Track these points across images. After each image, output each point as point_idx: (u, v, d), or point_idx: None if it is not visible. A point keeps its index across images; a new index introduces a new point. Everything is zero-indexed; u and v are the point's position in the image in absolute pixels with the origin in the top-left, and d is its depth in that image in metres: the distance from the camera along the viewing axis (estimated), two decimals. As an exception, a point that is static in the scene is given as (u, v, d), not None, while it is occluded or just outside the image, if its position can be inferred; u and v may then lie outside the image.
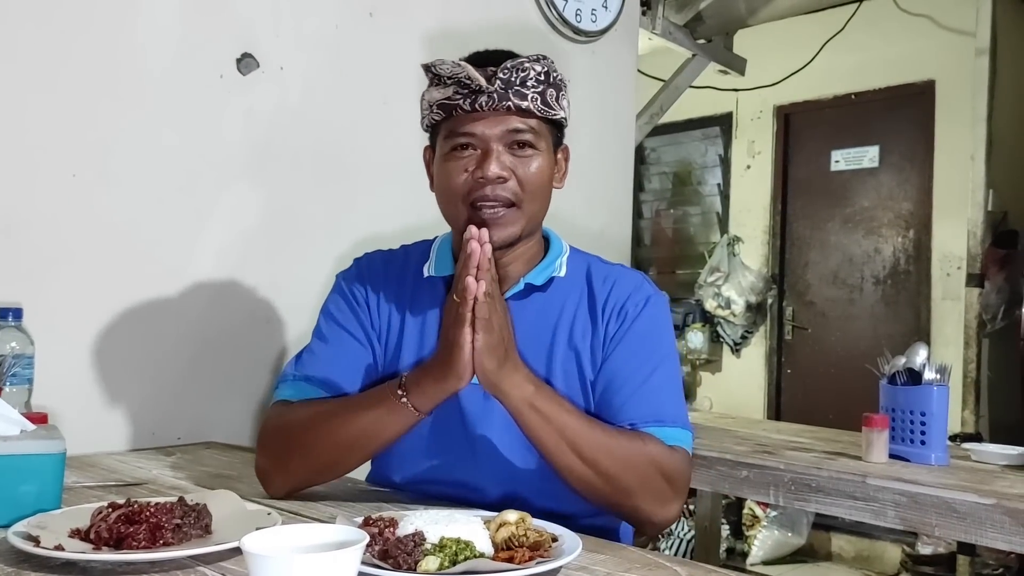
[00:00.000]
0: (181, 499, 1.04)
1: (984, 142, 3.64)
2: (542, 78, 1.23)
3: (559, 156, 1.32)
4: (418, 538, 0.95)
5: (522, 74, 1.21)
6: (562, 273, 1.33)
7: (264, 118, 1.96)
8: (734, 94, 4.98)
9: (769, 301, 4.98)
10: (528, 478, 1.26)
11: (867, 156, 4.66)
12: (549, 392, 1.19)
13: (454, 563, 0.92)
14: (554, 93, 1.24)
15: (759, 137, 5.09)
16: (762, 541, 4.28)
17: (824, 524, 4.37)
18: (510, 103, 1.20)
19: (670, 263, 5.54)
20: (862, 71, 4.59)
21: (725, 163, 5.28)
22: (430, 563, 0.91)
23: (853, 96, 4.68)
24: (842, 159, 4.75)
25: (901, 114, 4.54)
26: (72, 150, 1.68)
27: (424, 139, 1.34)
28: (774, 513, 4.29)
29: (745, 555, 4.31)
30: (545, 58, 1.24)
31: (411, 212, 2.13)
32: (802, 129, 4.97)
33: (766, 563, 4.23)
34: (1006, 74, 3.83)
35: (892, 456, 1.89)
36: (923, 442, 1.87)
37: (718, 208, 5.32)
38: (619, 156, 2.90)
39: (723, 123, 5.27)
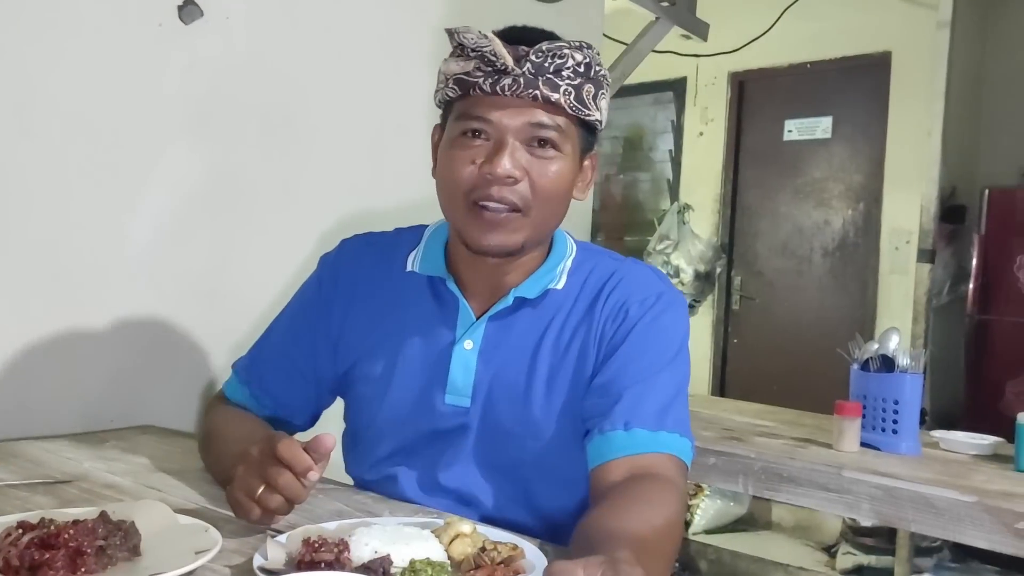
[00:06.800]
0: (103, 514, 0.90)
1: (941, 118, 3.62)
2: (581, 69, 1.05)
3: (586, 163, 1.15)
4: (386, 563, 0.85)
5: (558, 60, 1.04)
6: (560, 285, 1.16)
7: (207, 72, 1.79)
8: (694, 60, 4.88)
9: (718, 270, 4.95)
10: (514, 489, 1.16)
11: (820, 127, 4.63)
12: (628, 554, 0.76)
13: (433, 588, 0.82)
14: (592, 90, 1.07)
15: (712, 104, 5.02)
16: (704, 510, 4.30)
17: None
18: (537, 92, 1.03)
19: (619, 229, 5.47)
20: (819, 40, 4.52)
21: (677, 129, 5.21)
22: (409, 592, 0.81)
23: (808, 65, 4.63)
24: (795, 129, 4.71)
25: (855, 85, 4.50)
26: (-10, 102, 1.50)
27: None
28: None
29: (687, 524, 4.32)
30: (589, 47, 1.06)
31: (365, 174, 2.07)
32: (756, 97, 4.92)
33: (708, 532, 4.25)
34: (962, 48, 3.80)
35: (863, 444, 1.85)
36: (895, 431, 1.83)
37: (669, 175, 5.26)
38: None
39: (676, 88, 5.18)
